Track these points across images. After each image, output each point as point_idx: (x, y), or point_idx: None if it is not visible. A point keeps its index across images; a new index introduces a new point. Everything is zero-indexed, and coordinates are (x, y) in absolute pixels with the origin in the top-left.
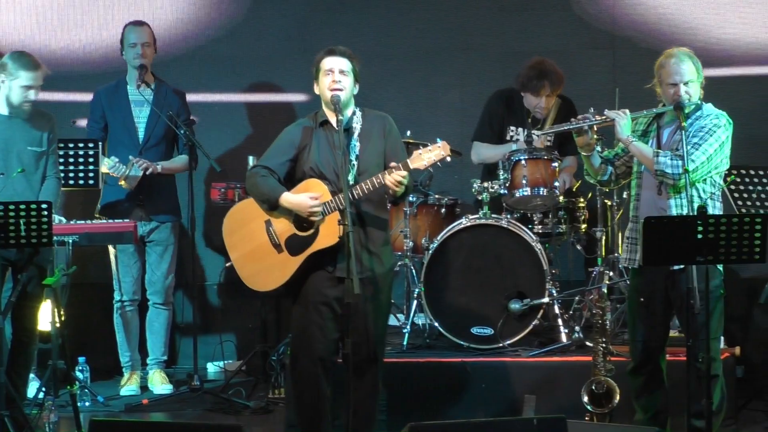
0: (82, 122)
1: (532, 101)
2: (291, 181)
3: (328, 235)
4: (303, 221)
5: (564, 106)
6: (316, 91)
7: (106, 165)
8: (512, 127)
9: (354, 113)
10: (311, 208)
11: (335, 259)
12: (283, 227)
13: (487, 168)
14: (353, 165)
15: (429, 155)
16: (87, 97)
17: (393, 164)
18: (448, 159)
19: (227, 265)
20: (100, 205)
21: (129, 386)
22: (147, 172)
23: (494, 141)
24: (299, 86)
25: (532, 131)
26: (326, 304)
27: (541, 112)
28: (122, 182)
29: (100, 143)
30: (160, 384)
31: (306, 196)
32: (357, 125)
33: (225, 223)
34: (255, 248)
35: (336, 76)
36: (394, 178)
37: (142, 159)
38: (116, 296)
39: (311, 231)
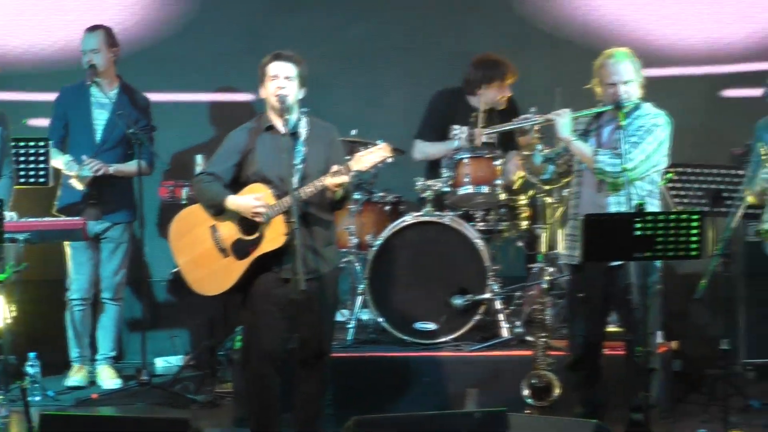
0: (35, 121)
1: (494, 94)
2: (237, 184)
3: (273, 238)
4: (248, 226)
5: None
6: (262, 94)
7: (61, 162)
8: (456, 126)
9: (299, 118)
10: (255, 207)
11: (281, 261)
12: (229, 232)
13: (430, 166)
14: (298, 169)
15: (370, 157)
16: (42, 96)
17: (335, 167)
18: (390, 160)
19: (174, 270)
20: (58, 205)
21: (74, 378)
22: (98, 174)
23: (436, 140)
24: (249, 86)
25: (475, 129)
26: (274, 304)
27: (503, 102)
28: (73, 180)
29: (50, 141)
30: (108, 379)
31: (250, 196)
32: (303, 130)
33: (171, 229)
34: (201, 253)
35: (281, 82)
36: (335, 181)
37: (95, 160)
38: (68, 293)
39: (256, 235)
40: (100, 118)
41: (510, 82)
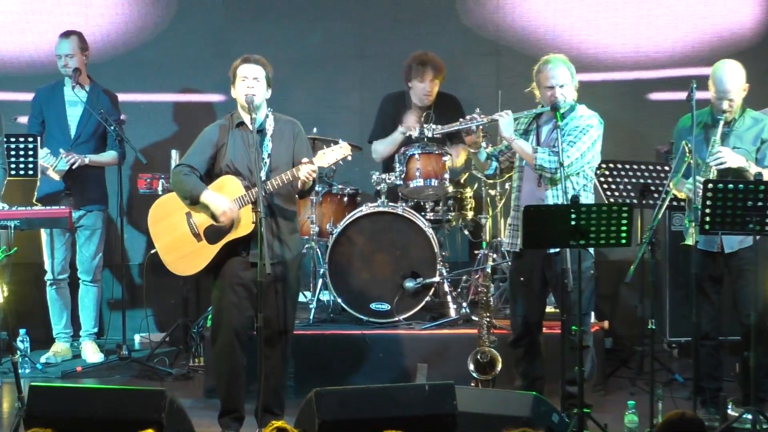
0: (24, 119)
1: (419, 88)
2: (210, 176)
3: (243, 225)
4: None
5: (449, 100)
6: (233, 95)
7: (40, 155)
8: (400, 127)
9: (267, 116)
10: (225, 212)
11: (248, 246)
12: (202, 219)
13: (385, 161)
14: (266, 162)
15: (332, 155)
16: (28, 96)
17: (305, 159)
18: (349, 158)
19: (152, 252)
20: (37, 195)
21: (51, 356)
22: (74, 166)
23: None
24: (217, 88)
25: (425, 126)
26: (241, 285)
27: (427, 98)
28: (50, 172)
29: (39, 138)
30: (92, 353)
31: (224, 200)
32: (270, 127)
33: (150, 215)
34: (177, 237)
35: (250, 83)
36: (308, 169)
37: (71, 153)
38: (47, 275)
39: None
40: (73, 114)
41: (431, 80)
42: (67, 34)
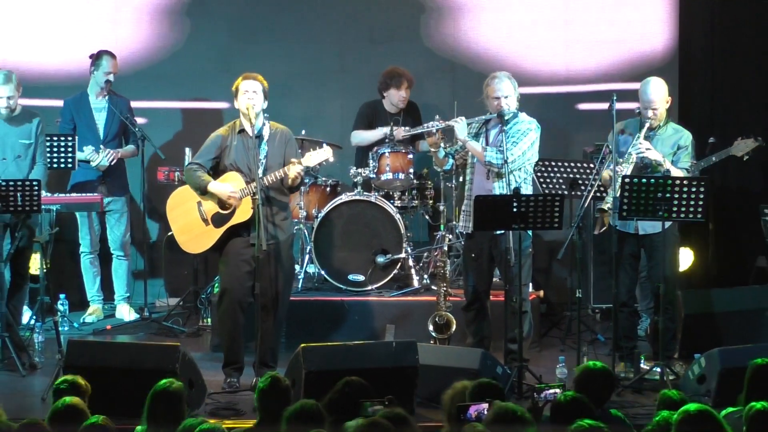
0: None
1: (395, 96)
2: (216, 173)
3: (243, 212)
4: (225, 203)
5: (411, 106)
6: (236, 106)
7: (85, 153)
8: (379, 127)
9: (264, 124)
10: (230, 195)
11: (249, 229)
12: (210, 207)
13: (359, 158)
14: (262, 162)
15: (316, 156)
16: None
17: (294, 159)
18: (331, 159)
19: (169, 234)
20: (71, 184)
21: (89, 316)
22: (112, 162)
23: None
24: (222, 97)
25: (394, 129)
26: (243, 261)
27: (403, 102)
28: (94, 165)
29: (75, 136)
30: (127, 313)
31: (228, 185)
32: (266, 133)
33: (167, 203)
34: (189, 222)
35: (250, 95)
36: (296, 170)
37: (109, 150)
38: (81, 249)
39: (230, 210)
40: (100, 119)
41: (405, 88)
42: (114, 56)
